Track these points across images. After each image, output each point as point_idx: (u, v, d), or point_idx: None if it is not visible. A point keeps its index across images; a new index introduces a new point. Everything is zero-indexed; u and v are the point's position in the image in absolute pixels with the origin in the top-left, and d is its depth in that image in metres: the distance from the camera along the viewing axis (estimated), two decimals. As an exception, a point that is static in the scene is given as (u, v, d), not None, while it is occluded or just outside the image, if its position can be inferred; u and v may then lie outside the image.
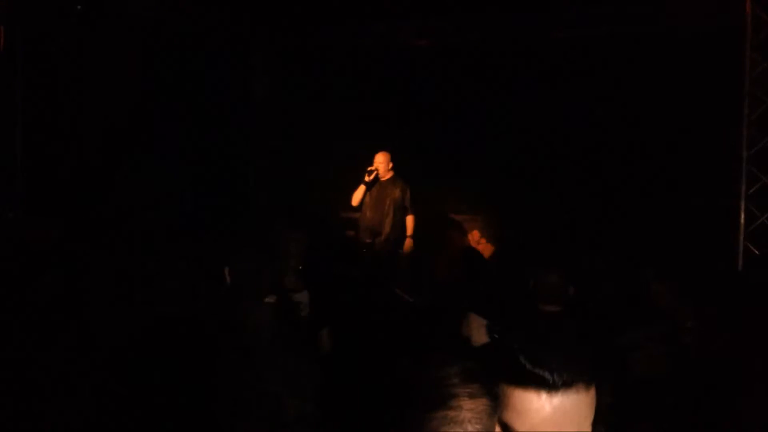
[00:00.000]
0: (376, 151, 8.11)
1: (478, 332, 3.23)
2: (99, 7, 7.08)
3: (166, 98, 7.92)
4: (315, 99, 9.33)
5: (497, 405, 1.57)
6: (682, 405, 3.58)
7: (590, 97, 8.50)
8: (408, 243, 7.95)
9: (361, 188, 8.01)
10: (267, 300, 3.53)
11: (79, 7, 6.95)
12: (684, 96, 7.91)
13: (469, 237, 8.79)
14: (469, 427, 1.51)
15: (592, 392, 1.69)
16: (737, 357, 3.63)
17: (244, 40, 9.16)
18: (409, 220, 7.99)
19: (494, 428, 1.57)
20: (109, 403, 2.56)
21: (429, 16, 8.58)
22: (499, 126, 8.82)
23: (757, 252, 6.65)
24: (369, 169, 7.98)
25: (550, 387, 1.63)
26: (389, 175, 8.02)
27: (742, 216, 6.71)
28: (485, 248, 8.53)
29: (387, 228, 7.91)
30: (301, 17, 8.52)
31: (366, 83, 9.29)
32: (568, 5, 8.05)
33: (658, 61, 8.14)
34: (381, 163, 7.97)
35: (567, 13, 8.12)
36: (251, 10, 8.37)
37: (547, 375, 1.63)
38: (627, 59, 8.29)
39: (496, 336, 3.22)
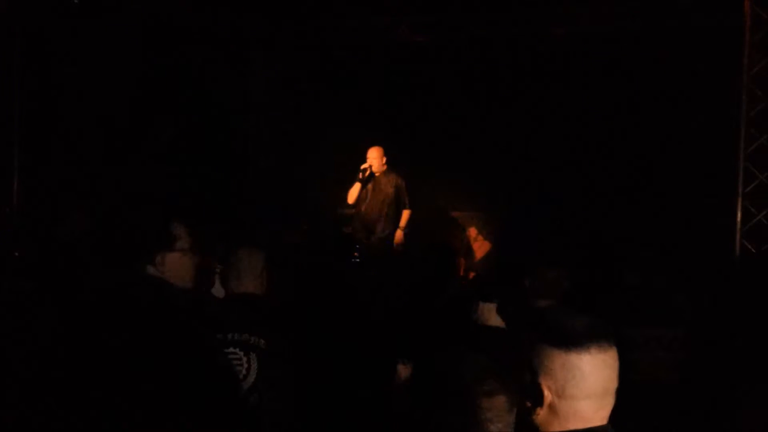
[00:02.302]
0: (370, 147, 8.04)
1: (489, 316, 3.23)
2: (96, 1, 7.05)
3: (164, 93, 7.90)
4: (314, 96, 9.31)
5: (514, 400, 1.56)
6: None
7: (588, 94, 8.50)
8: (398, 234, 7.88)
9: (357, 185, 7.91)
10: None
11: (76, 1, 6.92)
12: (682, 93, 7.93)
13: (467, 234, 8.76)
14: (492, 427, 1.50)
15: (615, 352, 1.67)
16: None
17: (242, 36, 9.13)
18: (405, 213, 7.91)
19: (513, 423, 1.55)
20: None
21: (427, 13, 8.57)
22: (499, 123, 8.81)
23: (753, 250, 6.66)
24: (362, 167, 7.90)
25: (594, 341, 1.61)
26: (384, 169, 7.96)
27: (739, 214, 6.72)
28: (482, 245, 8.51)
29: (382, 223, 7.86)
30: (299, 13, 8.51)
31: (365, 80, 9.28)
32: (567, 2, 8.04)
33: (657, 59, 8.15)
34: (374, 158, 7.87)
35: (565, 9, 8.11)
36: (250, 5, 8.34)
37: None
38: (626, 57, 8.30)
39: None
